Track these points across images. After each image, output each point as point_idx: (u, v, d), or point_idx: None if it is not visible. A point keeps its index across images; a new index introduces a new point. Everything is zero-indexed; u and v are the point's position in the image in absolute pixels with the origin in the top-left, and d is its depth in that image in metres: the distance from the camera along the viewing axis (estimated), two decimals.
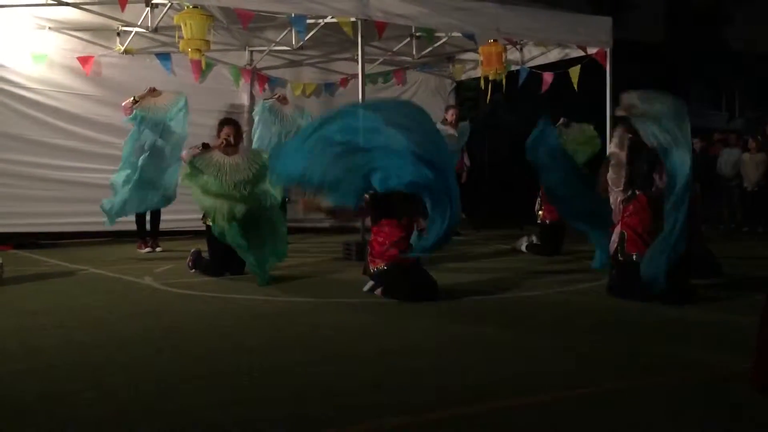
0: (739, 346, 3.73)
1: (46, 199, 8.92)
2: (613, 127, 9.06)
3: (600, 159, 7.86)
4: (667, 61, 19.96)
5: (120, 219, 8.36)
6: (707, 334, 4.19)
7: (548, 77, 9.84)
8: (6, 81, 8.80)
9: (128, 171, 7.56)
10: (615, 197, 5.43)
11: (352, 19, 7.68)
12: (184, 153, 6.40)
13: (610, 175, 5.39)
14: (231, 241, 6.00)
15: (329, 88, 10.73)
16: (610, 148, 5.61)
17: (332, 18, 8.11)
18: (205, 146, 6.29)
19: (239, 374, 3.31)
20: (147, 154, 7.60)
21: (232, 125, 6.52)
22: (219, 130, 6.51)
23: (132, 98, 7.69)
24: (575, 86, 9.32)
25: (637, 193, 5.27)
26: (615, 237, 5.39)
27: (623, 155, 5.30)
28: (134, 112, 7.62)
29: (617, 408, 2.86)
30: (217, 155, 6.24)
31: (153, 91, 7.82)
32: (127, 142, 7.69)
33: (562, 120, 8.05)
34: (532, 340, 4.02)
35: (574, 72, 9.38)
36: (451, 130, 8.93)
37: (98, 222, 9.01)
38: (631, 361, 3.56)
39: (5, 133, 8.74)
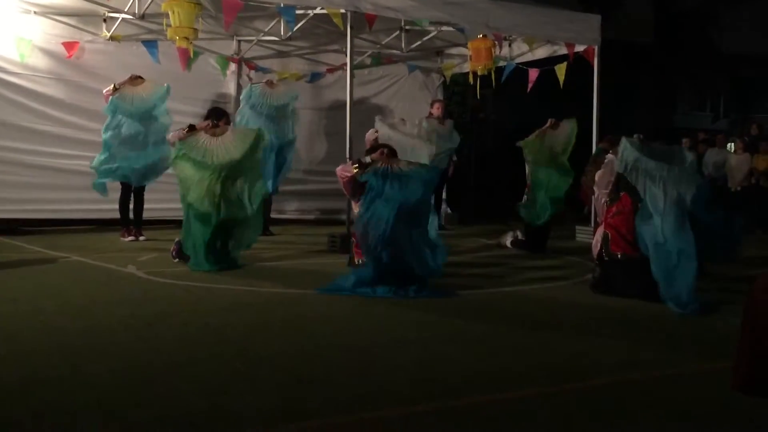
0: (716, 345, 3.77)
1: (28, 185, 8.81)
2: (599, 125, 9.15)
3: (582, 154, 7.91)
4: (654, 60, 20.07)
5: (103, 207, 8.31)
6: (687, 332, 4.22)
7: (533, 74, 9.85)
8: None
9: (107, 155, 7.64)
10: (599, 197, 5.45)
11: (342, 10, 7.64)
12: (170, 135, 6.39)
13: (599, 174, 5.41)
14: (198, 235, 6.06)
15: (315, 77, 10.67)
16: (611, 155, 5.54)
17: (321, 9, 8.06)
18: (192, 128, 6.27)
19: (222, 363, 3.30)
20: (126, 142, 7.61)
21: (221, 115, 6.59)
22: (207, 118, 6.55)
23: (112, 86, 7.65)
24: (561, 84, 9.33)
25: (622, 194, 5.28)
26: (598, 237, 5.43)
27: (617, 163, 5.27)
28: (110, 99, 7.60)
29: (601, 403, 2.88)
30: (203, 137, 6.20)
31: (134, 79, 7.78)
32: (104, 131, 7.71)
33: (549, 122, 8.05)
34: (517, 335, 4.03)
35: (561, 69, 9.39)
36: (437, 125, 8.92)
37: (81, 209, 8.96)
38: (613, 357, 3.58)
39: None
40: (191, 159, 6.04)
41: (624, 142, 5.07)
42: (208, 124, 6.32)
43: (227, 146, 6.16)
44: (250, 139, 6.29)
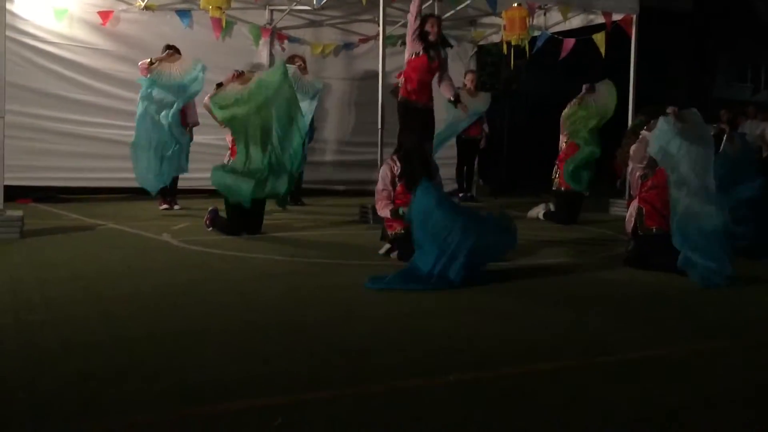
0: (751, 322, 3.72)
1: (65, 153, 8.98)
2: (636, 95, 8.99)
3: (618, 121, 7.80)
4: (694, 31, 19.59)
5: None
6: (722, 307, 4.17)
7: (569, 43, 9.68)
8: (27, 35, 8.80)
9: (141, 136, 7.62)
10: (634, 171, 5.38)
11: None
12: (204, 100, 6.44)
13: (635, 148, 5.34)
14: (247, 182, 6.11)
15: (348, 47, 10.63)
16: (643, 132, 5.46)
17: None
18: (219, 85, 6.36)
19: (254, 331, 3.35)
20: (160, 120, 7.57)
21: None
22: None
23: (149, 60, 7.64)
24: (603, 53, 9.14)
25: (657, 168, 5.20)
26: (632, 210, 5.37)
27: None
28: (148, 76, 7.55)
29: (624, 378, 2.87)
30: (232, 86, 6.27)
31: (171, 56, 7.71)
32: (138, 106, 7.69)
33: (585, 87, 7.94)
34: (546, 308, 4.02)
35: (600, 38, 9.21)
36: (467, 97, 8.84)
37: (117, 177, 9.12)
38: (645, 332, 3.56)
39: (26, 87, 8.76)
40: (229, 107, 6.10)
41: (661, 123, 4.98)
42: (234, 74, 6.38)
43: (254, 91, 6.20)
44: (276, 75, 6.29)
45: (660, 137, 4.94)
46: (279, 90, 6.15)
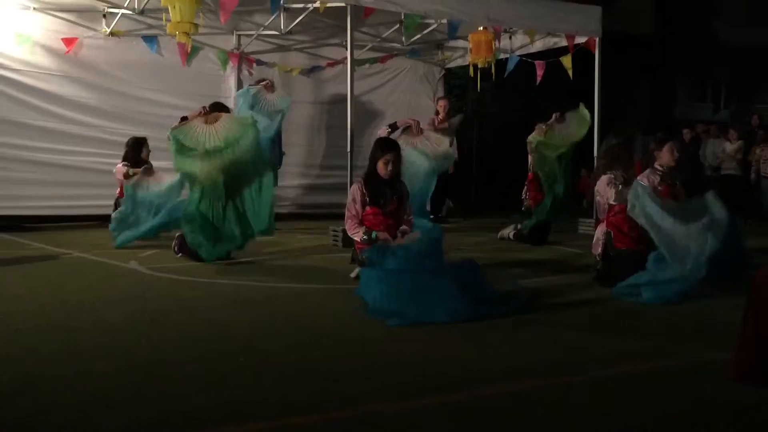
0: (720, 335, 3.76)
1: (30, 181, 8.83)
2: (600, 117, 9.13)
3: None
4: (654, 51, 20.03)
5: (104, 203, 8.24)
6: (688, 324, 4.21)
7: (540, 67, 9.83)
8: None
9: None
10: (604, 196, 5.46)
11: (342, 4, 7.63)
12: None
13: (602, 186, 5.44)
14: (201, 233, 6.09)
15: (316, 70, 10.65)
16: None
17: (315, 3, 8.05)
18: (184, 119, 6.30)
19: (225, 359, 3.30)
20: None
21: (222, 110, 6.54)
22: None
23: (126, 170, 7.47)
24: (570, 75, 9.29)
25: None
26: (600, 235, 5.46)
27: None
28: (126, 188, 7.37)
29: (602, 395, 2.88)
30: (197, 123, 6.20)
31: (148, 171, 7.50)
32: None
33: (554, 116, 8.01)
34: (519, 328, 4.02)
35: (567, 60, 9.37)
36: (438, 134, 8.57)
37: (83, 205, 8.99)
38: (616, 348, 3.58)
39: None
40: (186, 148, 6.03)
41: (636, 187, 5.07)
42: (201, 112, 6.30)
43: (219, 132, 6.14)
44: (242, 126, 6.24)
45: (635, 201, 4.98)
46: (247, 150, 6.13)
